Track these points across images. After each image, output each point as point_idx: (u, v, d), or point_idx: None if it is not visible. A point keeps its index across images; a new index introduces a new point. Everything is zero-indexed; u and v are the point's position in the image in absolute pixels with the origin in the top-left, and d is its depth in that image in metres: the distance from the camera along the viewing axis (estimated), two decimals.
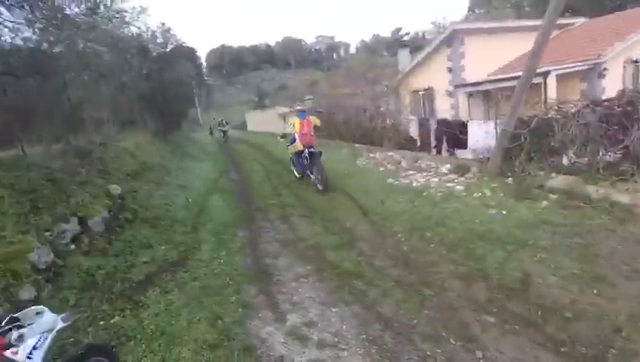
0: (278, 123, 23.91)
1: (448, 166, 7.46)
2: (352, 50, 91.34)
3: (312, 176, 7.56)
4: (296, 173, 8.48)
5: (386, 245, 4.56)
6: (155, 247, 4.94)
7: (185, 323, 3.20)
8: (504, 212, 4.84)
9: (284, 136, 8.93)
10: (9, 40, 6.31)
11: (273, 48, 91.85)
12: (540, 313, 3.00)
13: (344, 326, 3.06)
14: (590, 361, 2.45)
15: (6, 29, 6.00)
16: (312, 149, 7.45)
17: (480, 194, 5.61)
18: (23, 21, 5.93)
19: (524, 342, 2.72)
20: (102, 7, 7.12)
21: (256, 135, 27.67)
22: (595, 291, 3.11)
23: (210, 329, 3.09)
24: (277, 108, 27.25)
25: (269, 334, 3.04)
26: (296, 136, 7.75)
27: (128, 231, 5.32)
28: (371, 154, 10.49)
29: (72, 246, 4.42)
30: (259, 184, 9.00)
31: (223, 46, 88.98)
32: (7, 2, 5.41)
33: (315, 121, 7.98)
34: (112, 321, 3.27)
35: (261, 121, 30.88)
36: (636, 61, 8.56)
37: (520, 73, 6.05)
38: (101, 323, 3.26)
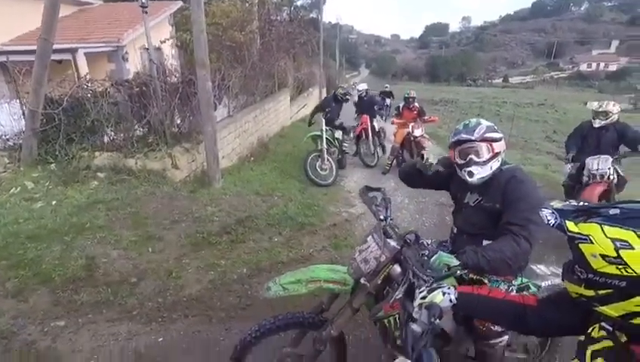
0: None
1: None
2: None
3: None
4: None
5: None
6: None
7: None
8: (54, 202, 4.39)
9: None
10: None
11: None
12: (110, 290, 3.10)
13: None
14: (155, 311, 2.86)
15: None
16: None
17: (19, 188, 4.71)
18: None
19: (101, 325, 2.72)
20: None
21: None
22: (150, 249, 3.61)
23: None
24: None
25: None
26: None
27: None
28: None
29: None
30: None
31: None
32: None
33: None
34: None
35: None
36: (147, 48, 10.07)
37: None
38: None
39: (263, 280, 3.23)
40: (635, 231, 0.84)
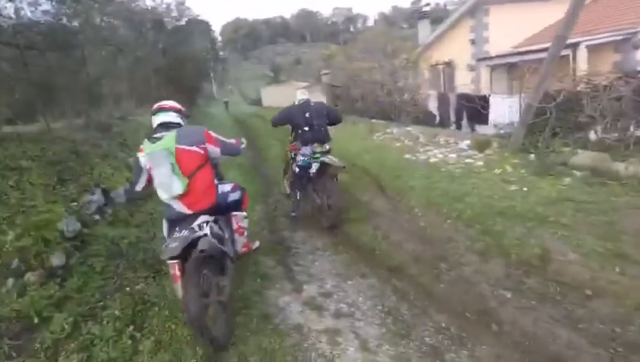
0: (294, 98, 23.72)
1: (468, 142, 7.29)
2: (370, 22, 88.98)
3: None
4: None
5: (402, 220, 4.55)
6: None
7: None
8: (525, 188, 4.73)
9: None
10: (29, 13, 6.33)
11: (288, 21, 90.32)
12: (558, 289, 2.97)
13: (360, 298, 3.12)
14: (606, 339, 2.42)
15: (25, 2, 6.03)
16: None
17: (500, 170, 5.48)
18: None
19: (541, 317, 2.71)
20: None
21: (273, 110, 27.55)
22: (617, 269, 3.04)
23: None
24: (293, 83, 26.83)
25: None
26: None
27: (150, 203, 5.46)
28: (388, 130, 10.33)
29: (97, 217, 4.58)
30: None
31: (237, 19, 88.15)
32: None
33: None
34: (136, 288, 3.43)
35: (276, 97, 30.58)
36: None
37: (548, 45, 5.75)
38: (127, 289, 3.42)
39: None
40: None
